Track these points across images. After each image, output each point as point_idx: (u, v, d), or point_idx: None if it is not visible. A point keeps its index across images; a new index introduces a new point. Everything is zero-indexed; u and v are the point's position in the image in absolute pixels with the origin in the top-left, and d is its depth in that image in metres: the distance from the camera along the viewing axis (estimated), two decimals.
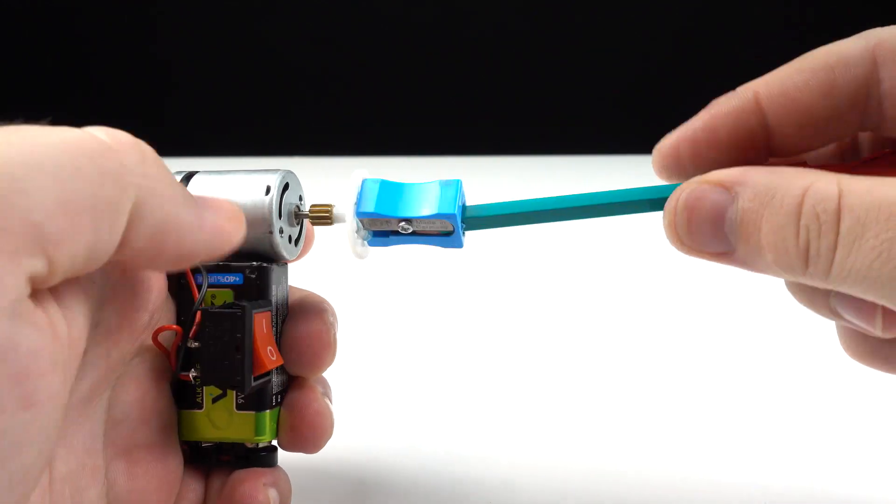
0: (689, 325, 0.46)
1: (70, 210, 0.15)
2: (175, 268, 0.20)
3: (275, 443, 0.24)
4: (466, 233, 0.24)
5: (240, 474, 0.23)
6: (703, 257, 0.21)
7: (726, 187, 0.20)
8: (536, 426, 0.34)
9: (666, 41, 1.43)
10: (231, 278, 0.23)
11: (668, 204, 0.21)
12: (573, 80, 1.45)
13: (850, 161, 0.24)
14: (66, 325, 0.17)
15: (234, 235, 0.20)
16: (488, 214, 0.24)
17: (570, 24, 1.44)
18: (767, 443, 0.32)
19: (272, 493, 0.23)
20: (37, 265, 0.15)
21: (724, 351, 0.42)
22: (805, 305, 0.24)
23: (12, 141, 0.15)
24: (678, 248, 0.21)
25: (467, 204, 0.24)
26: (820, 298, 0.23)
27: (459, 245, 0.24)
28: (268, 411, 0.23)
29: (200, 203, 0.19)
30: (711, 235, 0.20)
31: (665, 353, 0.42)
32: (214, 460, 0.23)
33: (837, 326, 0.24)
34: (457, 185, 0.24)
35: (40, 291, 0.16)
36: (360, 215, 0.23)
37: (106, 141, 0.17)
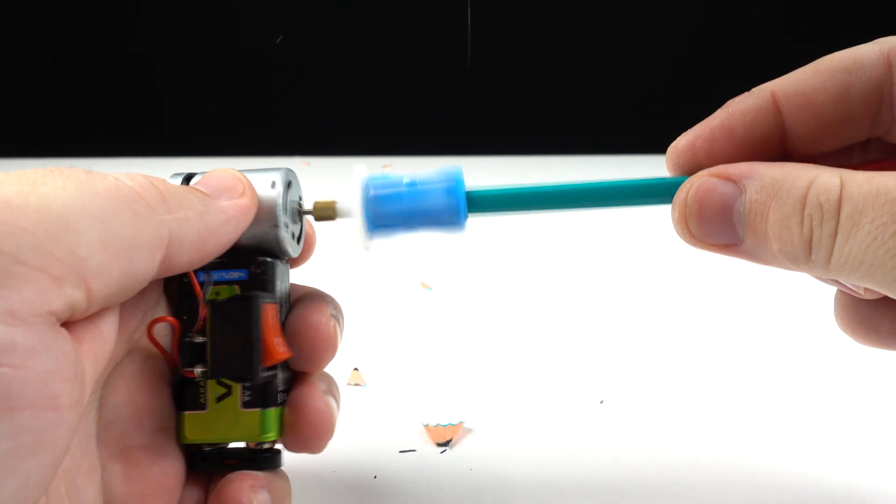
0: (690, 320, 0.46)
1: (110, 248, 0.18)
2: (218, 255, 0.22)
3: (279, 445, 0.24)
4: (467, 222, 0.24)
5: (230, 476, 0.22)
6: (710, 249, 0.21)
7: (734, 180, 0.20)
8: (543, 426, 0.34)
9: (668, 41, 1.43)
10: (236, 274, 0.23)
11: (678, 197, 0.22)
12: (574, 80, 1.45)
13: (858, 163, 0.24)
14: (94, 343, 0.19)
15: (252, 200, 0.22)
16: (492, 198, 0.24)
17: (571, 23, 1.44)
18: (770, 440, 0.32)
19: (261, 497, 0.22)
20: (77, 295, 0.17)
21: (726, 345, 0.42)
22: (870, 344, 0.24)
23: (67, 186, 0.18)
24: (686, 240, 0.22)
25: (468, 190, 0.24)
26: (886, 327, 0.23)
27: (461, 227, 0.24)
28: (273, 408, 0.23)
29: (214, 194, 0.21)
30: (720, 227, 0.21)
31: (666, 349, 0.42)
32: (218, 465, 0.23)
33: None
34: (458, 171, 0.24)
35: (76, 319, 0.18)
36: (367, 206, 0.23)
37: (133, 187, 0.19)
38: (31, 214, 0.16)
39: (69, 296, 0.17)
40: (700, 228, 0.21)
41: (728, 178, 0.21)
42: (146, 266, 0.19)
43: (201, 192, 0.21)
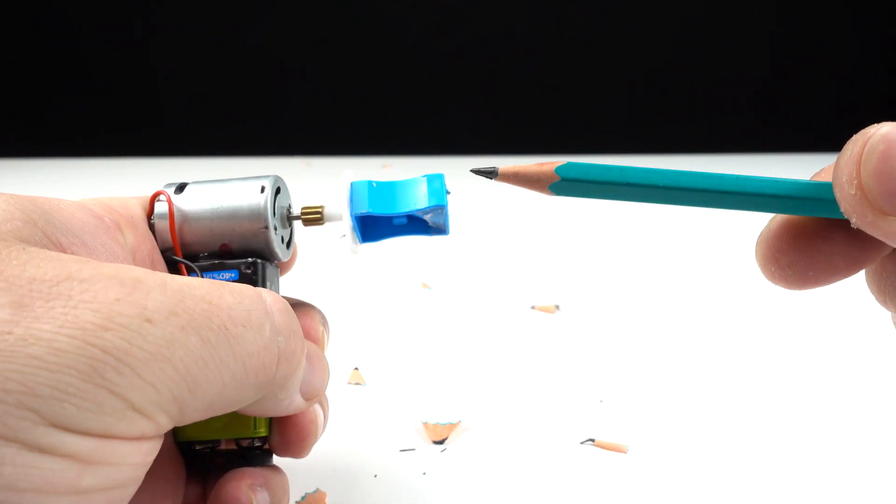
0: (688, 319, 0.47)
1: (211, 409, 0.18)
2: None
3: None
4: (450, 225, 0.24)
5: (227, 475, 0.23)
6: (875, 220, 0.17)
7: None
8: (543, 425, 0.34)
9: (668, 41, 1.43)
10: (227, 275, 0.24)
11: (856, 139, 0.17)
12: (574, 80, 1.45)
13: None
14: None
15: (313, 404, 0.22)
16: (588, 178, 0.20)
17: (571, 23, 1.44)
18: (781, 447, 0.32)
19: (261, 495, 0.22)
20: (153, 431, 0.17)
21: (724, 346, 0.42)
22: None
23: (218, 341, 0.18)
24: (849, 199, 0.17)
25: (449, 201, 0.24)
26: None
27: (446, 232, 0.24)
28: None
29: (305, 388, 0.21)
30: None
31: (665, 349, 0.42)
32: (210, 463, 0.23)
33: None
34: (441, 178, 0.24)
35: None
36: (357, 217, 0.24)
37: (280, 351, 0.19)
38: (166, 370, 0.17)
39: (154, 432, 0.17)
40: (876, 180, 0.16)
41: None
42: (224, 412, 0.19)
43: (301, 375, 0.21)
